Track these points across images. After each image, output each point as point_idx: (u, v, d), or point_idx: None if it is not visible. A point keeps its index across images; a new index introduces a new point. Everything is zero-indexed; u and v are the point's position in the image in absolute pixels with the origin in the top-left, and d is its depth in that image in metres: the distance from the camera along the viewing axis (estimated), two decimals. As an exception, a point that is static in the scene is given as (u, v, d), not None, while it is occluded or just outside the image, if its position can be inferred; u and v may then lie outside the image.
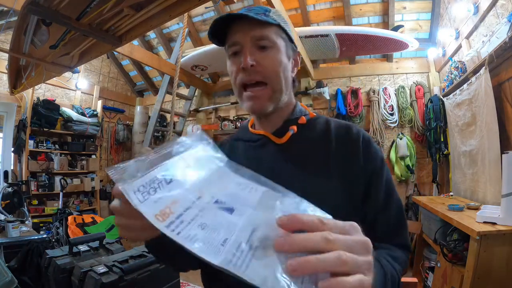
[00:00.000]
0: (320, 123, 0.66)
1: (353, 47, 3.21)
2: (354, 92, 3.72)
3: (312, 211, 0.34)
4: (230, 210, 0.33)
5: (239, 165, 0.42)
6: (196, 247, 0.27)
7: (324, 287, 0.26)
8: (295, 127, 0.64)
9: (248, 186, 0.38)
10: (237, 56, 0.61)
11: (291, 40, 0.66)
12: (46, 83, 4.06)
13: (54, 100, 4.14)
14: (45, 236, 1.76)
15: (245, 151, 0.68)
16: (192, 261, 0.60)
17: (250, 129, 0.71)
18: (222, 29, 0.62)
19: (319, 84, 3.62)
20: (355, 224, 0.32)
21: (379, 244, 0.54)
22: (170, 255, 0.55)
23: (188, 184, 0.35)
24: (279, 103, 0.63)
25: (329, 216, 0.32)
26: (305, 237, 0.28)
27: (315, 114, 0.69)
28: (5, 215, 2.43)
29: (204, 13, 3.96)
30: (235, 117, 4.36)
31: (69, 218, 3.17)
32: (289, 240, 0.28)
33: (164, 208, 0.30)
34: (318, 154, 0.61)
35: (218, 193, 0.35)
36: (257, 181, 0.39)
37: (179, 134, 4.64)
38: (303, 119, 0.66)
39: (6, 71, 3.06)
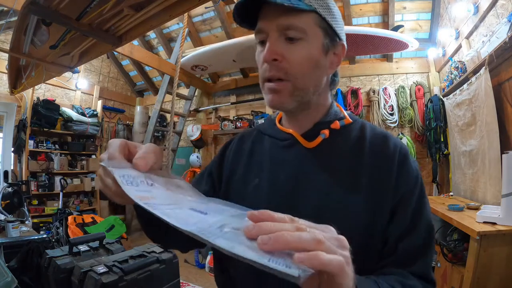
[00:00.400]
0: (355, 129, 0.59)
1: (353, 47, 3.21)
2: (354, 92, 3.72)
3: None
4: (204, 213, 0.36)
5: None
6: (167, 218, 0.30)
7: (300, 258, 0.25)
8: (327, 132, 0.57)
9: (227, 208, 0.41)
10: (263, 46, 0.54)
11: (333, 30, 0.55)
12: (46, 83, 4.06)
13: (54, 100, 4.14)
14: (45, 236, 1.75)
15: (269, 149, 0.62)
16: (178, 239, 0.56)
17: (277, 124, 0.65)
18: (253, 10, 0.54)
19: (319, 84, 3.62)
20: (330, 226, 0.31)
21: (396, 270, 0.49)
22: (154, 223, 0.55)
23: (167, 194, 0.40)
24: (303, 101, 0.56)
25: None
26: (275, 224, 0.28)
27: (351, 120, 0.60)
28: (5, 215, 2.43)
29: (204, 13, 3.95)
30: (235, 117, 4.36)
31: (69, 218, 3.17)
32: (258, 225, 0.28)
33: (144, 196, 0.35)
34: (347, 165, 0.55)
35: (194, 204, 0.39)
36: (237, 209, 0.43)
37: (179, 134, 4.64)
38: (336, 124, 0.58)
39: (6, 71, 3.06)
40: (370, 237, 0.50)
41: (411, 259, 0.50)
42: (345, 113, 0.62)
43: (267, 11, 0.52)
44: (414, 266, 0.49)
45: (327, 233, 0.30)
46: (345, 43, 0.58)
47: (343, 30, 0.58)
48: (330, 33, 0.54)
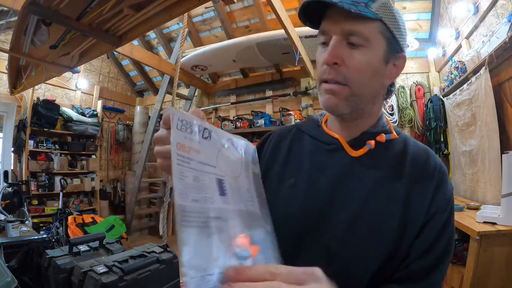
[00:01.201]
0: (398, 143, 0.59)
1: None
2: (354, 92, 3.71)
3: (272, 248, 0.39)
4: (223, 193, 0.36)
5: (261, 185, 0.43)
6: (176, 184, 0.30)
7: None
8: (372, 143, 0.57)
9: (251, 196, 0.41)
10: (326, 47, 0.54)
11: (396, 40, 0.55)
12: (46, 83, 4.07)
13: (54, 100, 4.14)
14: (45, 236, 1.76)
15: (311, 151, 0.62)
16: None
17: (323, 126, 0.64)
18: (315, 11, 0.54)
19: (319, 84, 3.62)
20: (317, 271, 0.32)
21: (403, 286, 0.49)
22: None
23: (215, 150, 0.39)
24: (358, 108, 0.56)
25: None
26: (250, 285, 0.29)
27: (397, 135, 0.60)
28: (5, 215, 2.43)
29: (204, 13, 3.95)
30: (235, 117, 4.36)
31: (69, 218, 3.18)
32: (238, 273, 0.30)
33: (187, 145, 0.35)
34: (388, 177, 0.54)
35: (227, 177, 0.38)
36: (260, 200, 0.43)
37: (179, 134, 4.64)
38: (382, 137, 0.57)
39: (6, 71, 3.06)
40: (398, 248, 0.50)
41: (422, 277, 0.49)
42: (392, 126, 0.62)
43: (333, 13, 0.53)
44: (422, 282, 0.49)
45: (309, 284, 0.30)
46: (406, 54, 0.58)
47: (406, 42, 0.58)
48: (393, 43, 0.54)
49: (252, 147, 0.45)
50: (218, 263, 0.30)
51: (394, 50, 0.55)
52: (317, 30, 0.57)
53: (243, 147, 0.45)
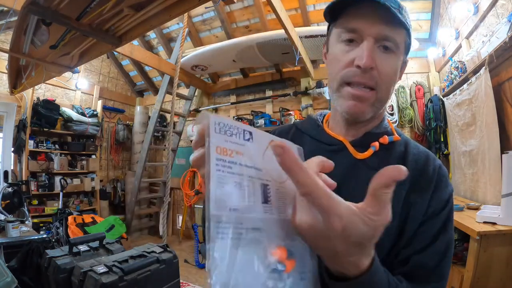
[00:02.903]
0: (400, 145, 0.59)
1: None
2: (354, 92, 3.71)
3: (309, 261, 0.36)
4: (267, 200, 0.33)
5: None
6: (212, 192, 0.28)
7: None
8: (377, 144, 0.56)
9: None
10: (352, 46, 0.52)
11: (409, 48, 0.56)
12: (46, 83, 4.07)
13: (54, 100, 4.14)
14: (45, 236, 1.76)
15: (311, 152, 0.60)
16: None
17: (325, 128, 0.63)
18: (346, 3, 0.52)
19: (319, 84, 3.63)
20: None
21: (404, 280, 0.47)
22: None
23: (260, 152, 0.35)
24: (378, 113, 0.56)
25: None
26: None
27: (399, 137, 0.60)
28: (5, 215, 2.43)
29: (204, 13, 3.95)
30: (235, 117, 4.36)
31: (69, 218, 3.18)
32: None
33: (228, 148, 0.32)
34: None
35: (272, 181, 0.35)
36: None
37: (179, 134, 4.64)
38: (385, 139, 0.57)
39: (6, 71, 3.06)
40: (396, 246, 0.51)
41: (423, 277, 0.49)
42: (393, 128, 0.62)
43: (367, 12, 0.50)
44: (421, 284, 0.48)
45: None
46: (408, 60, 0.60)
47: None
48: (407, 50, 0.56)
49: (296, 146, 0.42)
50: (248, 279, 0.29)
51: (405, 57, 0.57)
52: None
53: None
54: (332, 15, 0.55)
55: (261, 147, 0.36)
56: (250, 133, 0.35)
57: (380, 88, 0.52)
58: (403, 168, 0.28)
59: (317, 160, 0.36)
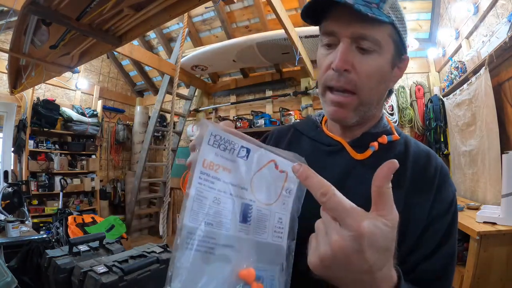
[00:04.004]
0: (400, 144, 0.58)
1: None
2: (354, 92, 3.71)
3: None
4: (246, 220, 0.33)
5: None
6: (189, 203, 0.28)
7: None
8: (376, 144, 0.55)
9: (283, 227, 0.38)
10: (330, 49, 0.51)
11: (403, 44, 0.53)
12: (46, 83, 4.06)
13: (54, 100, 4.14)
14: (45, 236, 1.76)
15: (310, 152, 0.59)
16: None
17: (324, 129, 0.62)
18: (321, 7, 0.50)
19: (319, 84, 3.62)
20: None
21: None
22: None
23: (251, 171, 0.35)
24: (364, 116, 0.55)
25: None
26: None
27: (398, 136, 0.58)
28: (5, 215, 2.43)
29: (204, 13, 3.95)
30: (235, 117, 4.36)
31: (69, 218, 3.17)
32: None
33: (216, 163, 0.32)
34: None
35: (257, 202, 0.35)
36: (292, 232, 0.40)
37: (179, 134, 4.64)
38: (384, 139, 0.56)
39: (6, 71, 3.06)
40: (398, 250, 0.50)
41: (429, 281, 0.48)
42: (393, 127, 0.61)
43: (341, 13, 0.48)
44: None
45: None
46: (408, 56, 0.57)
47: (407, 43, 0.56)
48: (400, 46, 0.52)
49: (301, 159, 0.41)
50: None
51: (400, 53, 0.53)
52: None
53: (289, 168, 0.39)
54: (313, 19, 0.54)
55: (257, 165, 0.35)
56: (248, 151, 0.35)
57: (361, 91, 0.50)
58: (394, 160, 0.30)
59: None
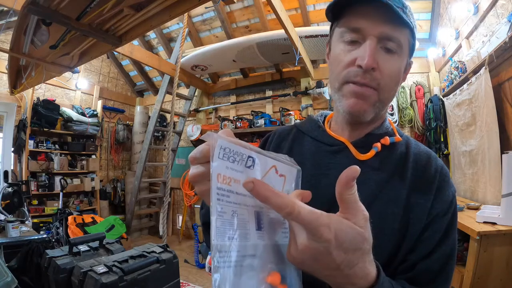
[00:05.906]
0: (401, 145, 0.58)
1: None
2: (354, 92, 3.71)
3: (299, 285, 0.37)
4: (260, 227, 0.34)
5: None
6: (213, 222, 0.29)
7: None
8: (379, 145, 0.56)
9: (288, 227, 0.38)
10: (354, 46, 0.51)
11: (413, 48, 0.55)
12: (46, 83, 4.07)
13: (54, 100, 4.14)
14: (45, 236, 1.75)
15: (313, 152, 0.60)
16: None
17: (327, 129, 0.62)
18: (349, 2, 0.50)
19: (319, 84, 3.63)
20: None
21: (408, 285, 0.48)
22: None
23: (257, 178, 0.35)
24: (379, 114, 0.55)
25: None
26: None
27: (401, 138, 0.59)
28: (5, 215, 2.43)
29: (204, 13, 3.95)
30: (235, 117, 4.37)
31: (69, 218, 3.18)
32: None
33: (228, 176, 0.32)
34: (390, 182, 0.53)
35: (265, 208, 0.35)
36: None
37: (179, 134, 4.64)
38: (386, 140, 0.57)
39: (6, 71, 3.06)
40: (398, 250, 0.50)
41: (428, 281, 0.49)
42: (395, 128, 0.61)
43: (371, 12, 0.49)
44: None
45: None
46: (412, 61, 0.59)
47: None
48: (411, 51, 0.54)
49: (295, 170, 0.42)
50: None
51: (410, 57, 0.56)
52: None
53: (287, 172, 0.41)
54: (334, 14, 0.54)
55: (261, 172, 0.36)
56: (253, 160, 0.35)
57: (382, 90, 0.51)
58: (355, 166, 0.30)
59: (296, 192, 0.37)
